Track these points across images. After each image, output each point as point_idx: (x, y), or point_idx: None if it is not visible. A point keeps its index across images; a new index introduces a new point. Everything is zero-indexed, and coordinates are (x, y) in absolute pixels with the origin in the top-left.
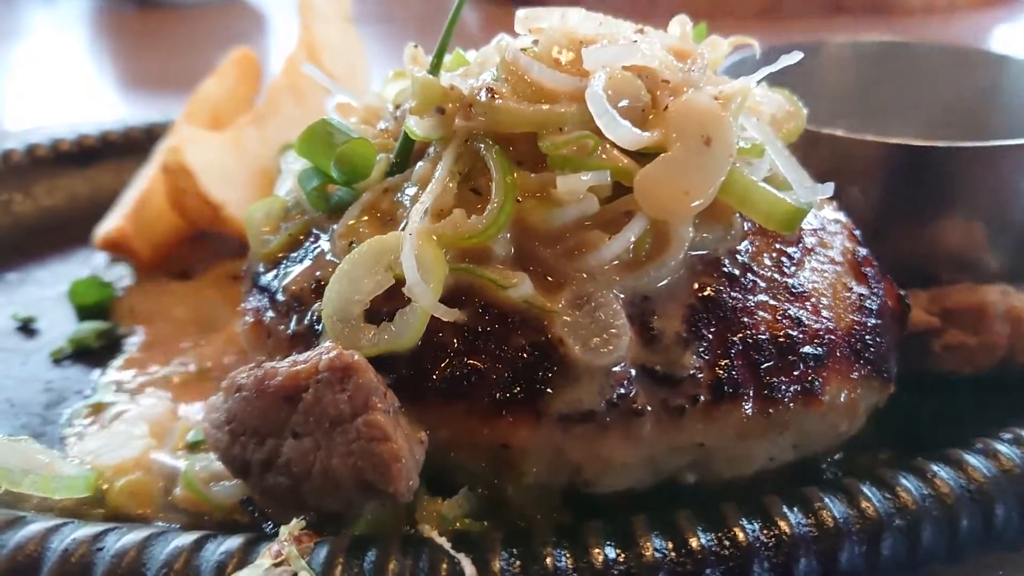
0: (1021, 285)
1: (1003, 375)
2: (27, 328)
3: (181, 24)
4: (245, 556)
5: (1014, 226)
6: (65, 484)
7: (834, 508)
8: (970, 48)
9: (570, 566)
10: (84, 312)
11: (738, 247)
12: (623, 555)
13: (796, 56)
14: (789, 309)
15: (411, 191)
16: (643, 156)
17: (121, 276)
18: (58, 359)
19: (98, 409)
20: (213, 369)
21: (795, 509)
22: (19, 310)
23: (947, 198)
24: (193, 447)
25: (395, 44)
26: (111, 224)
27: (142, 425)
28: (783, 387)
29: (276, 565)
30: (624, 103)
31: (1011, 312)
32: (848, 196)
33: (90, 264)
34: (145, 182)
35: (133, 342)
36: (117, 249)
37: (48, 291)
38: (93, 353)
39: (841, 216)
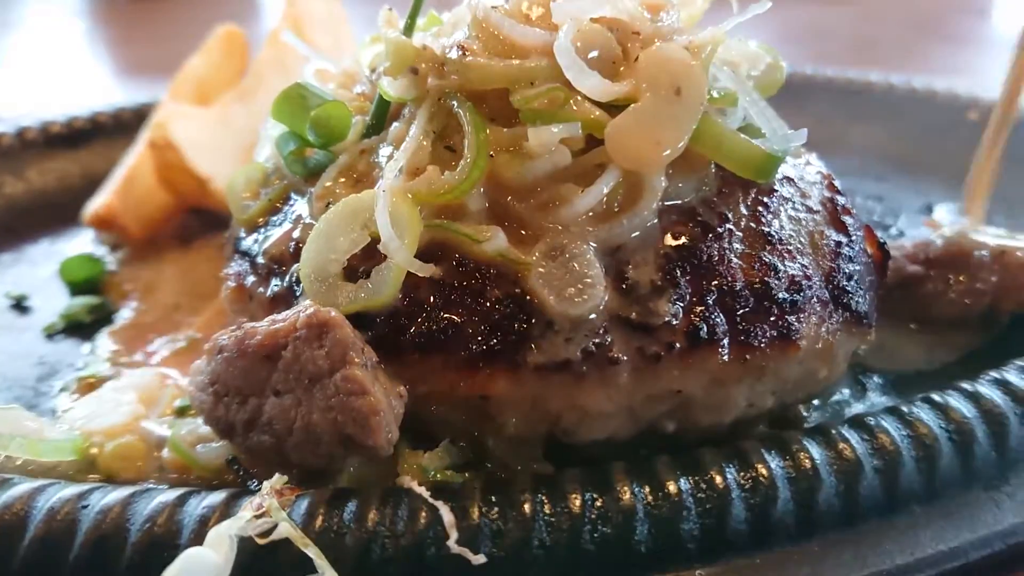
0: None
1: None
2: (20, 306)
3: (174, 11)
4: (227, 510)
5: None
6: (52, 447)
7: (812, 450)
8: None
9: (547, 512)
10: (76, 288)
11: (713, 197)
12: (600, 500)
13: (766, 5)
14: (765, 256)
15: (387, 151)
16: (615, 108)
17: (111, 252)
18: (51, 334)
19: (89, 380)
20: (203, 340)
21: (773, 452)
22: (12, 288)
23: None
24: (181, 412)
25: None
26: (100, 201)
27: (131, 393)
28: (759, 332)
29: (257, 517)
30: (594, 55)
31: (1000, 258)
32: None
33: (83, 243)
34: (133, 159)
35: (124, 316)
36: (106, 226)
37: (41, 270)
38: (85, 328)
39: (820, 165)
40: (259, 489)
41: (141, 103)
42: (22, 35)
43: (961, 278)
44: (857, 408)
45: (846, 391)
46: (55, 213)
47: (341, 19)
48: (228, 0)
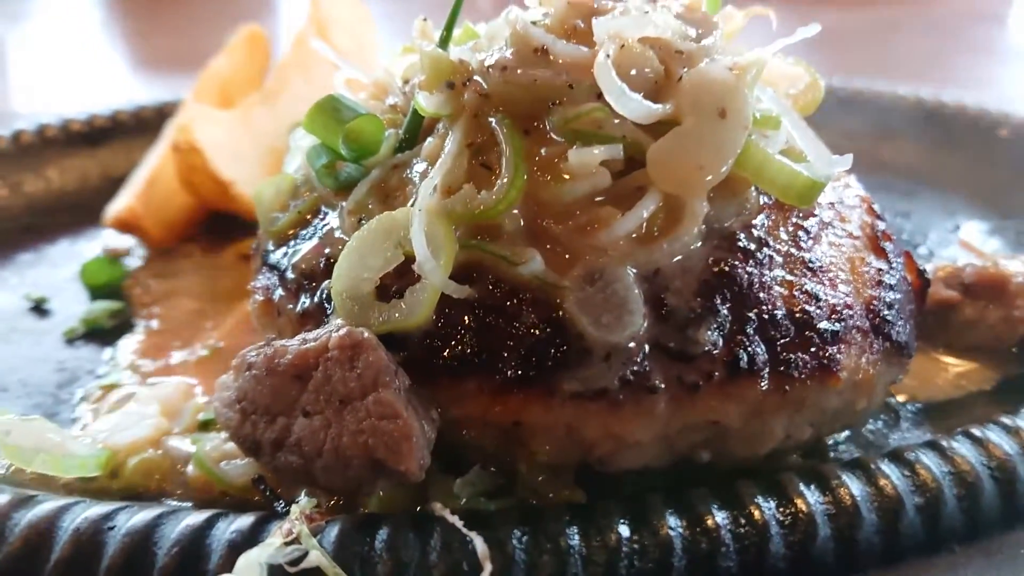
0: None
1: None
2: (40, 308)
3: (190, 4)
4: (256, 535)
5: None
6: (76, 463)
7: (852, 486)
8: None
9: (583, 545)
10: (96, 292)
11: (754, 221)
12: (637, 534)
13: (814, 28)
14: (806, 284)
15: (420, 167)
16: (656, 129)
17: (132, 255)
18: (71, 339)
19: (110, 389)
20: (225, 349)
21: (812, 487)
22: (31, 290)
23: None
24: (204, 426)
25: (404, 20)
26: (121, 203)
27: (154, 405)
28: (800, 363)
29: (287, 543)
30: (635, 73)
31: None
32: None
33: (101, 244)
34: (155, 161)
35: (144, 322)
36: (127, 228)
37: (60, 271)
38: (105, 333)
39: (859, 189)
40: (287, 511)
41: (162, 101)
42: (36, 25)
43: (998, 305)
44: (890, 437)
45: (878, 420)
46: (75, 212)
47: (365, 20)
48: None
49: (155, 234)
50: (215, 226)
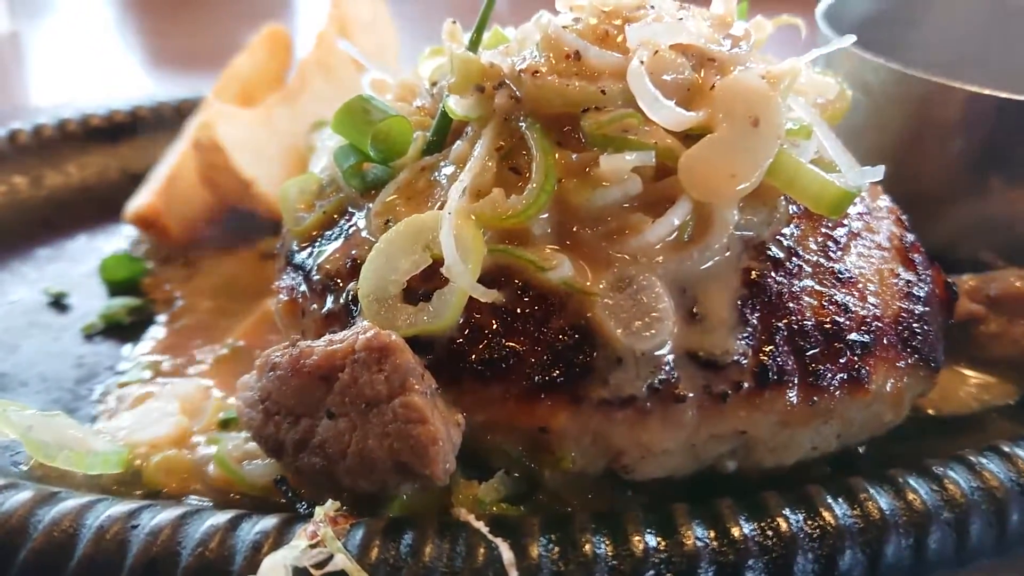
0: None
1: None
2: (59, 303)
3: (209, 2)
4: (280, 536)
5: None
6: (99, 460)
7: (880, 500)
8: None
9: (610, 553)
10: (115, 288)
11: (783, 231)
12: (664, 543)
13: (849, 39)
14: (835, 295)
15: (448, 170)
16: (688, 136)
17: (152, 252)
18: (89, 334)
19: (130, 386)
20: (245, 348)
21: (840, 500)
22: (51, 285)
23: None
24: (225, 425)
25: (424, 21)
26: (142, 200)
27: (174, 403)
28: (829, 375)
29: (312, 546)
30: (668, 81)
31: None
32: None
33: (121, 240)
34: (176, 158)
35: (164, 319)
36: (148, 225)
37: (79, 267)
38: (124, 329)
39: (887, 200)
40: (309, 513)
41: (182, 98)
42: (55, 21)
43: (1022, 320)
44: (914, 450)
45: (901, 431)
46: (94, 208)
47: (386, 20)
48: None
49: (175, 231)
50: (235, 224)
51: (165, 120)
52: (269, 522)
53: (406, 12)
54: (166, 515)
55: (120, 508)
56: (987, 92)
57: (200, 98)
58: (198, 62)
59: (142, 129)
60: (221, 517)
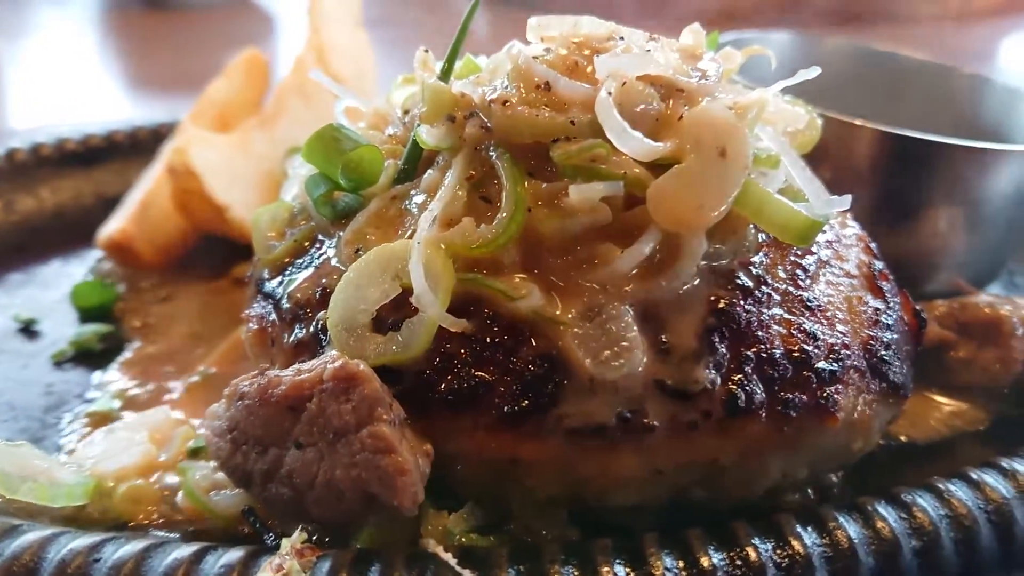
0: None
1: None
2: (28, 330)
3: (189, 25)
4: (246, 569)
5: (989, 229)
6: (63, 492)
7: (849, 528)
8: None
9: None
10: (86, 314)
11: (752, 259)
12: (632, 573)
13: (815, 71)
14: (804, 323)
15: (419, 199)
16: (656, 165)
17: (124, 278)
18: (59, 361)
19: (98, 415)
20: (217, 376)
21: (809, 528)
22: (20, 311)
23: (936, 194)
24: (194, 454)
25: (403, 48)
26: (114, 225)
27: (143, 431)
28: (797, 403)
29: None
30: (637, 112)
31: None
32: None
33: (93, 266)
34: (150, 183)
35: (135, 346)
36: (120, 251)
37: (51, 292)
38: (95, 356)
39: (857, 228)
40: (276, 544)
41: (158, 122)
42: (31, 43)
43: (992, 346)
44: (884, 478)
45: (871, 459)
46: (67, 233)
47: (364, 46)
48: (244, 16)
49: (148, 257)
50: (209, 250)
51: (141, 145)
52: (234, 555)
53: (386, 37)
54: (129, 548)
55: (82, 541)
56: (892, 130)
57: (176, 122)
58: (178, 85)
59: (117, 154)
60: (185, 550)
